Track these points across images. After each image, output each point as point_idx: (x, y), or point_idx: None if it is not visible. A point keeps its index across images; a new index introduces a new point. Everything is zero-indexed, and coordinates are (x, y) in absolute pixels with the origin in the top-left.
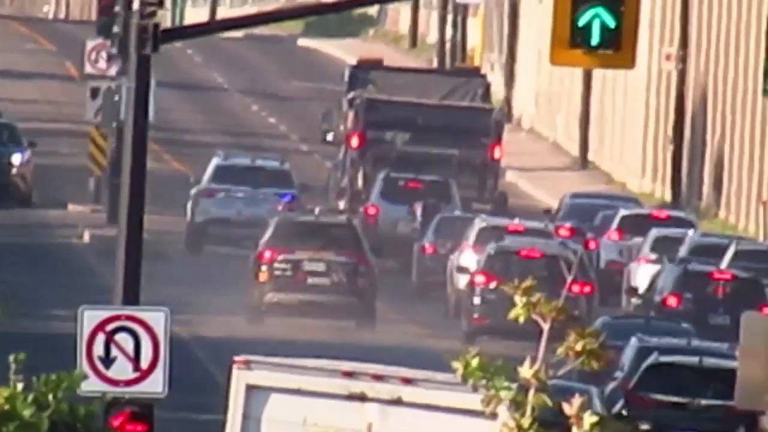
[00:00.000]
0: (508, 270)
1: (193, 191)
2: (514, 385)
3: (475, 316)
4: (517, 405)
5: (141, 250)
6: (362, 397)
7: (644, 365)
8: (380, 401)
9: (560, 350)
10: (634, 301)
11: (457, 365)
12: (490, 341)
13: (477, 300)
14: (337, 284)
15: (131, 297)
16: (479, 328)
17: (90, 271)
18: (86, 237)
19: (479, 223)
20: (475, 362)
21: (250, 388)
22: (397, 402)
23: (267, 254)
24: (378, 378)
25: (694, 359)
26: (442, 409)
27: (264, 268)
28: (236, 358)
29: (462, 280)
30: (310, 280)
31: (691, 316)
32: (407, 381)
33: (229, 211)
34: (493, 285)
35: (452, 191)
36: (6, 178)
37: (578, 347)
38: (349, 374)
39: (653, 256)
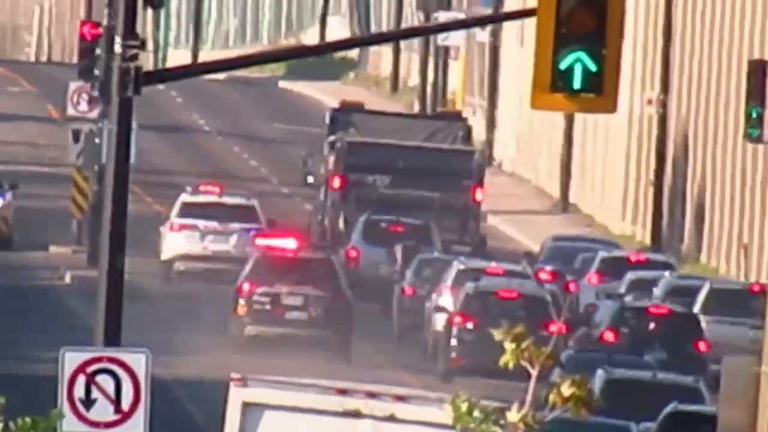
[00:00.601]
0: (486, 310)
1: (161, 228)
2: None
3: (453, 355)
4: None
5: (122, 291)
6: (356, 414)
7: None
8: (374, 418)
9: (550, 397)
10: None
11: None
12: (467, 381)
13: (454, 341)
14: (315, 318)
15: (112, 338)
16: (456, 368)
17: (71, 313)
18: (68, 278)
19: (458, 265)
20: (464, 407)
21: (246, 405)
22: (390, 419)
23: (246, 287)
24: (371, 395)
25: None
26: (435, 426)
27: (243, 301)
28: (233, 375)
29: (440, 321)
30: (288, 315)
31: (627, 351)
32: (400, 398)
33: (196, 246)
34: (470, 325)
35: (433, 234)
36: None
37: (567, 393)
38: (343, 391)
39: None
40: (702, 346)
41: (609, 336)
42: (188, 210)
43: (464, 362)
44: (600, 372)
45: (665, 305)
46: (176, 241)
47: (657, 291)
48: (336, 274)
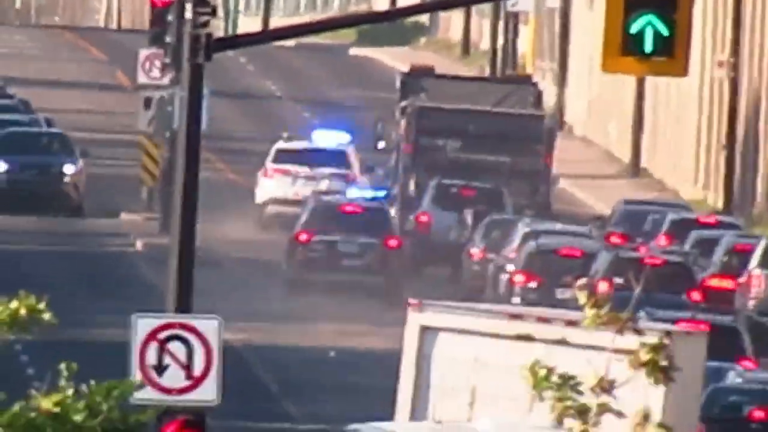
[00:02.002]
0: (548, 269)
1: (258, 173)
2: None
3: None
4: (583, 413)
5: (193, 258)
6: (528, 338)
7: None
8: (545, 342)
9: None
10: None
11: (526, 375)
12: None
13: (516, 299)
14: (369, 264)
15: (184, 305)
16: None
17: (143, 280)
18: (139, 246)
19: (522, 227)
20: (542, 372)
21: (424, 329)
22: (562, 343)
23: (303, 236)
24: (543, 320)
25: None
26: (605, 350)
27: (300, 249)
28: (411, 300)
29: (503, 282)
30: (344, 262)
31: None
32: (571, 323)
33: (288, 190)
34: (533, 284)
35: (504, 198)
36: (58, 188)
37: (644, 359)
38: (515, 316)
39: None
40: (695, 295)
41: (603, 286)
42: (282, 156)
43: None
44: (643, 314)
45: (660, 256)
46: (269, 186)
47: (718, 250)
48: (389, 222)
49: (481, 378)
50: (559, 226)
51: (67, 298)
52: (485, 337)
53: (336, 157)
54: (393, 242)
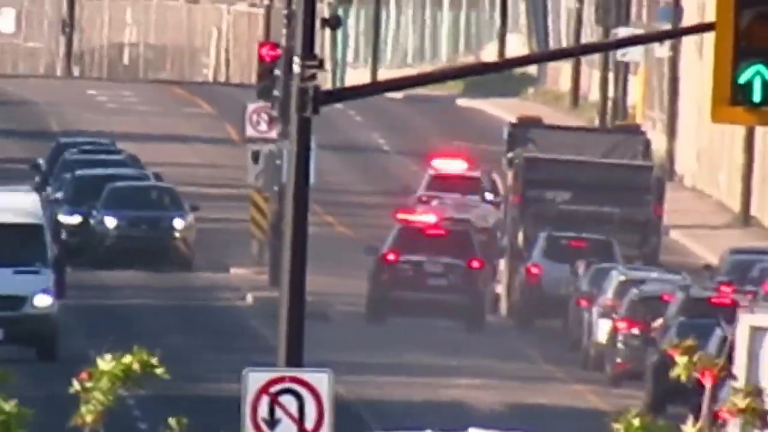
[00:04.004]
0: (651, 316)
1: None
2: None
3: (618, 361)
4: None
5: (303, 311)
6: None
7: None
8: None
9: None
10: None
11: (618, 426)
12: (635, 385)
13: (620, 346)
14: (453, 285)
15: (295, 358)
16: (622, 373)
17: (253, 334)
18: (249, 299)
19: (617, 275)
20: (636, 422)
21: (754, 329)
22: None
23: (391, 257)
24: None
25: None
26: None
27: (387, 269)
28: (741, 303)
29: (603, 328)
30: (430, 281)
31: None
32: None
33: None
34: (635, 330)
35: (614, 250)
36: (168, 243)
37: (741, 405)
38: None
39: None
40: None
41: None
42: (435, 183)
43: (630, 367)
44: (718, 331)
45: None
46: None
47: None
48: (472, 245)
49: None
50: (654, 275)
51: (179, 353)
52: None
53: (484, 184)
54: (476, 264)
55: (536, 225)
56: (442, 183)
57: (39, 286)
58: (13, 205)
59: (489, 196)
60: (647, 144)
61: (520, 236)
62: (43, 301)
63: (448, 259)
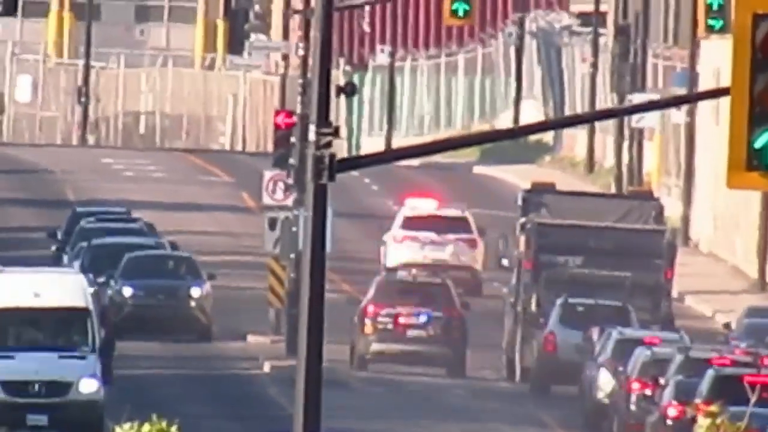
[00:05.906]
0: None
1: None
2: None
3: (631, 422)
4: None
5: (320, 378)
6: None
7: None
8: None
9: None
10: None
11: None
12: None
13: (633, 407)
14: (433, 336)
15: (312, 426)
16: None
17: (271, 402)
18: (266, 368)
19: (616, 335)
20: None
21: None
22: None
23: (371, 308)
24: None
25: None
26: None
27: (368, 321)
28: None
29: (605, 386)
30: (409, 332)
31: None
32: None
33: (417, 255)
34: (648, 392)
35: (631, 316)
36: (186, 311)
37: None
38: None
39: None
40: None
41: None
42: (409, 223)
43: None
44: (710, 371)
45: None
46: (399, 251)
47: None
48: (451, 296)
49: None
50: (650, 334)
51: (197, 422)
52: None
53: (460, 224)
54: (455, 313)
55: (548, 290)
56: (416, 222)
57: (85, 372)
58: (59, 287)
59: (504, 261)
60: (660, 209)
61: (533, 302)
62: (88, 386)
63: (427, 310)
